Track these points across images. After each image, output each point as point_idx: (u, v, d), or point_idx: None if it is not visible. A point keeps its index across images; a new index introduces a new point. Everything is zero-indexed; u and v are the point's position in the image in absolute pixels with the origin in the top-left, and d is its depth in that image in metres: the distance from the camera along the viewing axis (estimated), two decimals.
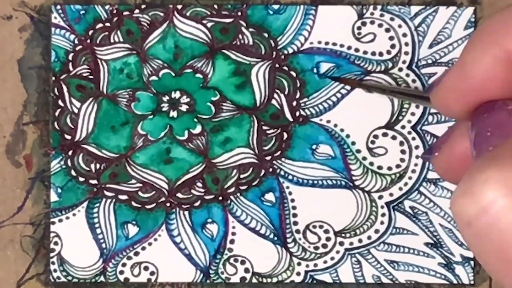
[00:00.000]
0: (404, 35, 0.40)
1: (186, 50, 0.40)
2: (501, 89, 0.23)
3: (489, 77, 0.23)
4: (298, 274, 0.40)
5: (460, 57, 0.24)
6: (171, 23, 0.40)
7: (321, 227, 0.40)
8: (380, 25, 0.40)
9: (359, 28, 0.40)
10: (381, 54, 0.40)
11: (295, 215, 0.40)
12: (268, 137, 0.40)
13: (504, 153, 0.19)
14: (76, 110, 0.40)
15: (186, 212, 0.40)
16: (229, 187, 0.40)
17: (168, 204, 0.40)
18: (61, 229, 0.40)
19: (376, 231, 0.40)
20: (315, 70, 0.40)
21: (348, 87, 0.40)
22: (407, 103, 0.40)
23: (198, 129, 0.40)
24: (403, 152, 0.40)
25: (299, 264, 0.40)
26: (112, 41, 0.40)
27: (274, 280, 0.40)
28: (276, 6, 0.40)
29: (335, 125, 0.40)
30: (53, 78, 0.40)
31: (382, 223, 0.40)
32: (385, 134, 0.40)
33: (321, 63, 0.40)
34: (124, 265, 0.40)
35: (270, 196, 0.40)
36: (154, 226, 0.40)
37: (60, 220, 0.40)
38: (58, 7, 0.40)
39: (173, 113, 0.40)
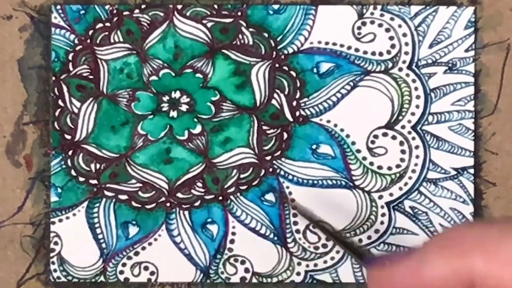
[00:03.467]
0: (404, 35, 0.40)
1: (186, 50, 0.40)
2: None
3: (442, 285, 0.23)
4: (298, 274, 0.40)
5: (418, 252, 0.25)
6: (171, 23, 0.40)
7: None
8: (380, 25, 0.40)
9: (359, 28, 0.40)
10: (381, 54, 0.40)
11: (295, 215, 0.40)
12: (268, 137, 0.40)
13: None
14: (76, 110, 0.40)
15: (186, 212, 0.40)
16: (229, 187, 0.40)
17: (168, 204, 0.40)
18: (61, 229, 0.40)
19: (376, 231, 0.40)
20: (315, 70, 0.40)
21: (348, 87, 0.40)
22: (407, 103, 0.40)
23: (198, 129, 0.40)
24: (403, 152, 0.40)
25: (299, 264, 0.40)
26: (112, 41, 0.40)
27: (274, 280, 0.40)
28: (276, 6, 0.40)
29: (335, 125, 0.40)
30: (53, 78, 0.40)
31: (382, 223, 0.40)
32: (385, 134, 0.40)
33: (321, 63, 0.40)
34: (124, 265, 0.40)
35: (270, 196, 0.40)
36: (154, 226, 0.40)
37: (60, 220, 0.40)
38: (58, 7, 0.40)
39: (173, 113, 0.40)
